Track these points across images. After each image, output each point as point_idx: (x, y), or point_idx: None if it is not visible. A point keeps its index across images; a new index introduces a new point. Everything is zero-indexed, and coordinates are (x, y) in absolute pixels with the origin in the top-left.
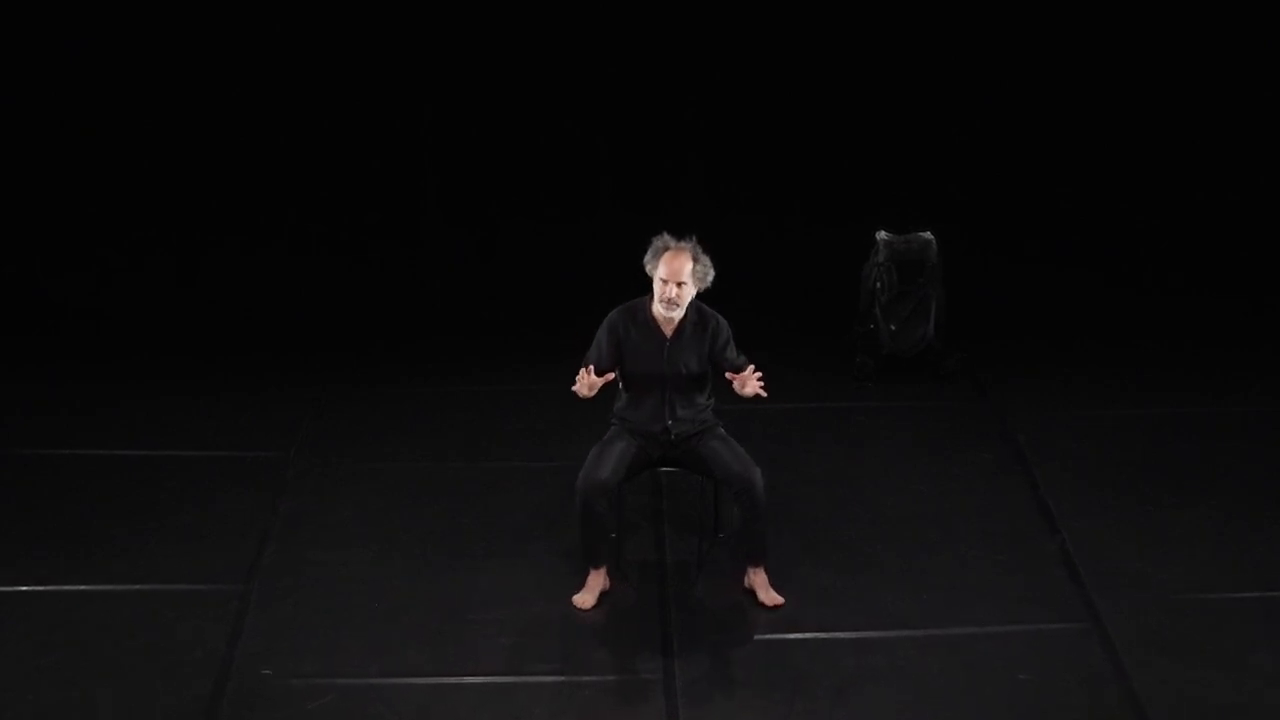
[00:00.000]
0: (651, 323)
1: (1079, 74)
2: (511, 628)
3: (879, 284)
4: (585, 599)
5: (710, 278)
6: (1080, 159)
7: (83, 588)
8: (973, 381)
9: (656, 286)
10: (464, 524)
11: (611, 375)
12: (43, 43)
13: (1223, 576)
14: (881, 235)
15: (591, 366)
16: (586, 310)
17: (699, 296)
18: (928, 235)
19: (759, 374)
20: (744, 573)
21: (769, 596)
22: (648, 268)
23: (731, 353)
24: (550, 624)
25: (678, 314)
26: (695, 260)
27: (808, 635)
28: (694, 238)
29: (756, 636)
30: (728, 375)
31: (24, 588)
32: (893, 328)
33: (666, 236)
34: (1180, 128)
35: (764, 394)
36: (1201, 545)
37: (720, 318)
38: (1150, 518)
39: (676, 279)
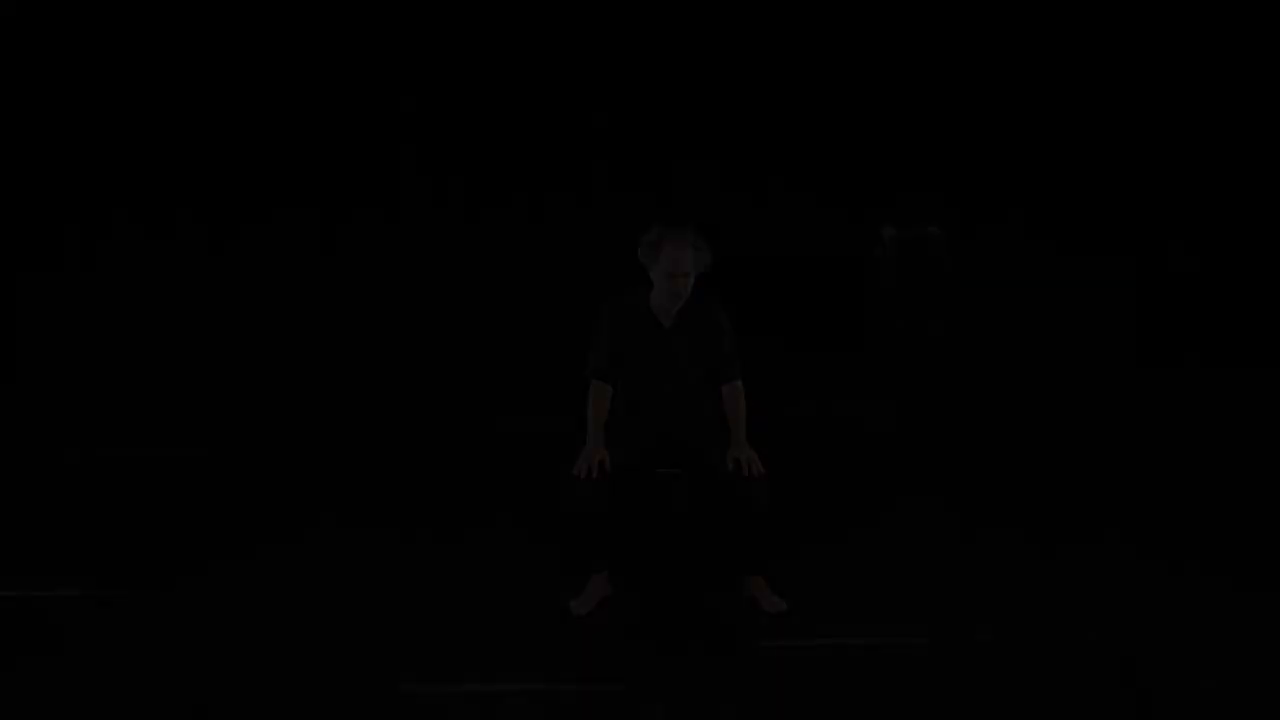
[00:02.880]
0: (649, 314)
1: (1090, 70)
2: (503, 633)
3: (885, 277)
4: (582, 605)
5: (709, 261)
6: (1099, 154)
7: None
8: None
9: (660, 280)
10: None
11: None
12: None
13: None
14: (888, 231)
15: (602, 460)
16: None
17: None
18: (936, 230)
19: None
20: (746, 580)
21: (771, 603)
22: (645, 261)
23: (728, 347)
24: (546, 630)
25: (679, 303)
26: (695, 248)
27: (816, 642)
28: (690, 224)
29: (763, 644)
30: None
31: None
32: (900, 324)
33: (659, 227)
34: (1187, 128)
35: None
36: None
37: (720, 307)
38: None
39: (682, 269)
